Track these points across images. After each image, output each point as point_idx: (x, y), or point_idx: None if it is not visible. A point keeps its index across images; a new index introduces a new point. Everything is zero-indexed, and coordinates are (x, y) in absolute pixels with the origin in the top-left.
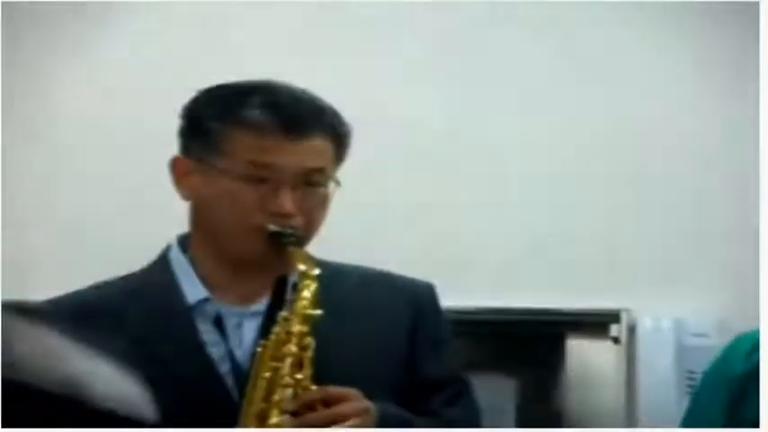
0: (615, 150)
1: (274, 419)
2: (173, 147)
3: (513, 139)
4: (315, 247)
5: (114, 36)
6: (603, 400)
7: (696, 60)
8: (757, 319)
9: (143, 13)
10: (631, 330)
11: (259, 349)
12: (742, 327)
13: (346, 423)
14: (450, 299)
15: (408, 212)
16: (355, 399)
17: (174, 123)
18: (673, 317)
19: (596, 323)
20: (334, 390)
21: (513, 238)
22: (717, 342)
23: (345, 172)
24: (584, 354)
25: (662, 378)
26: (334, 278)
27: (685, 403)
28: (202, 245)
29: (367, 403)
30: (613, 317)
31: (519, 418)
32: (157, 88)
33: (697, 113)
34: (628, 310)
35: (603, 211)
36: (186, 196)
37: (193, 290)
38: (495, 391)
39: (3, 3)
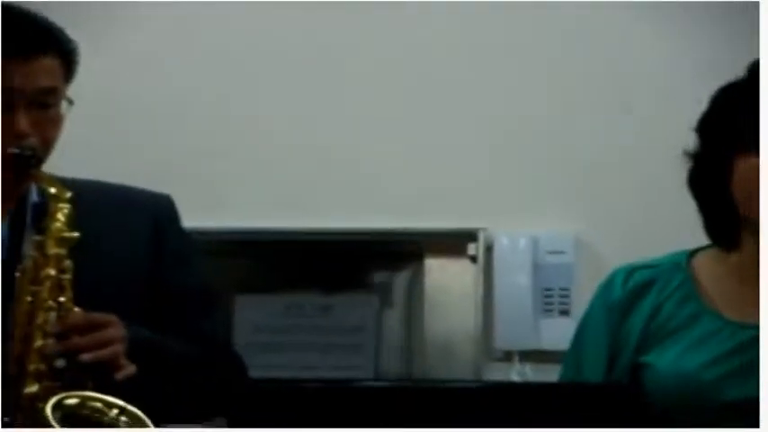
0: (486, 84)
1: (39, 342)
2: None
3: (394, 60)
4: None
5: None
6: (462, 317)
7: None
8: (611, 236)
9: None
10: (489, 249)
11: (17, 274)
12: (597, 244)
13: (108, 348)
14: (313, 220)
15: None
16: (118, 324)
17: None
18: (529, 235)
19: (455, 242)
20: (98, 316)
21: (376, 162)
22: (572, 259)
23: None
24: (443, 272)
25: (519, 295)
26: (81, 196)
27: (542, 319)
28: None
29: (124, 331)
30: (471, 236)
31: (379, 335)
32: None
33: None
34: (485, 230)
35: (462, 134)
36: None
37: None
38: (358, 308)
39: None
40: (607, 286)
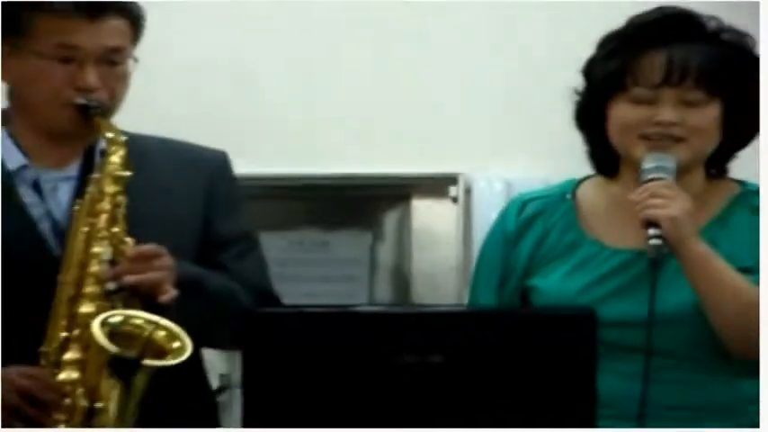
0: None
1: (95, 268)
2: None
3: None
4: None
5: None
6: (445, 251)
7: None
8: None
9: None
10: (468, 191)
11: (76, 207)
12: None
13: (153, 274)
14: (312, 166)
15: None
16: (166, 256)
17: None
18: (503, 179)
19: (437, 185)
20: (148, 247)
21: (369, 114)
22: None
23: None
24: (428, 212)
25: None
26: (136, 145)
27: None
28: (20, 119)
29: (172, 260)
30: (452, 180)
31: (372, 267)
32: None
33: None
34: (464, 174)
35: (446, 87)
36: (5, 78)
37: (13, 158)
38: (353, 243)
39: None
40: (503, 217)
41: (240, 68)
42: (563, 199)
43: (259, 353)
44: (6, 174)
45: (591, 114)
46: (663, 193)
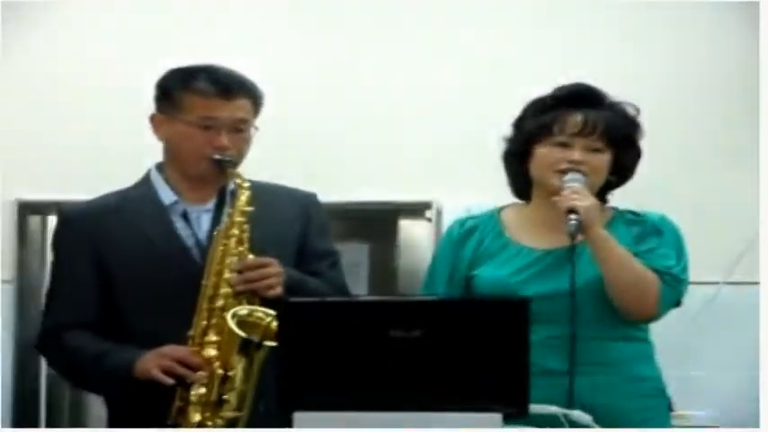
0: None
1: (227, 275)
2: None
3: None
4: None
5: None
6: (423, 258)
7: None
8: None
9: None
10: (439, 213)
11: (215, 233)
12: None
13: (271, 279)
14: (327, 194)
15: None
16: (276, 265)
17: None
18: (465, 205)
19: (417, 209)
20: (264, 258)
21: (364, 149)
22: None
23: None
24: (410, 229)
25: None
26: (255, 188)
27: None
28: (172, 168)
29: (281, 268)
30: (428, 205)
31: (371, 268)
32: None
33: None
34: (437, 201)
35: (424, 130)
36: (160, 138)
37: (167, 195)
38: (354, 251)
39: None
40: (449, 231)
41: None
42: (492, 218)
43: (294, 329)
44: (164, 208)
45: (518, 154)
46: (580, 191)
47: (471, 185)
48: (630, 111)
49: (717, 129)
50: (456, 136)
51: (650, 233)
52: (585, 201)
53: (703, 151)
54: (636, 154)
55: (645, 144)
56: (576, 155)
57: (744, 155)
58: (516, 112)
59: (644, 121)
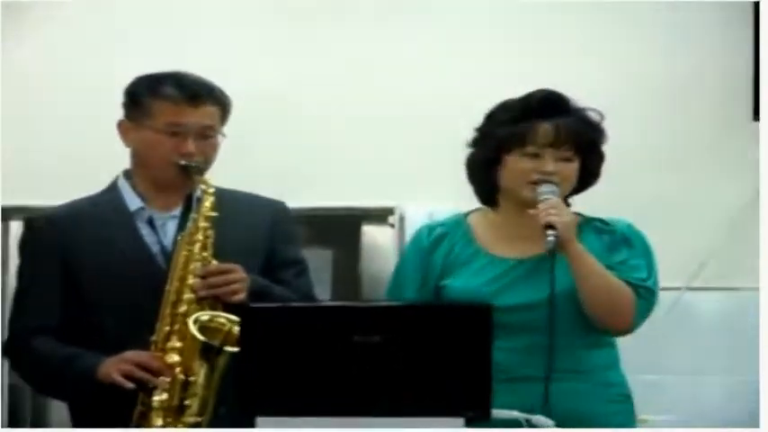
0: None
1: (190, 281)
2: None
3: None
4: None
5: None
6: (386, 263)
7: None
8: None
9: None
10: (402, 219)
11: (179, 238)
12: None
13: (234, 285)
14: (290, 200)
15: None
16: (240, 271)
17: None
18: (427, 210)
19: (380, 215)
20: (227, 264)
21: (338, 157)
22: None
23: None
24: (372, 235)
25: None
26: (221, 194)
27: None
28: (138, 175)
29: (245, 275)
30: (390, 210)
31: (334, 275)
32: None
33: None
34: (399, 206)
35: (389, 137)
36: (128, 145)
37: (133, 202)
38: (317, 257)
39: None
40: (417, 237)
41: None
42: (459, 224)
43: (256, 334)
44: (129, 214)
45: (487, 162)
46: (557, 206)
47: (434, 191)
48: (594, 116)
49: (678, 130)
50: (418, 142)
51: (620, 243)
52: (564, 216)
53: (663, 153)
54: (600, 159)
55: (606, 147)
56: (550, 166)
57: (697, 158)
58: (478, 118)
59: (606, 125)
